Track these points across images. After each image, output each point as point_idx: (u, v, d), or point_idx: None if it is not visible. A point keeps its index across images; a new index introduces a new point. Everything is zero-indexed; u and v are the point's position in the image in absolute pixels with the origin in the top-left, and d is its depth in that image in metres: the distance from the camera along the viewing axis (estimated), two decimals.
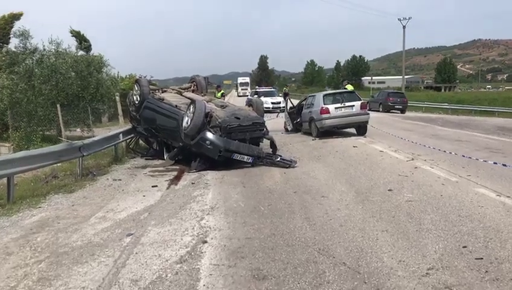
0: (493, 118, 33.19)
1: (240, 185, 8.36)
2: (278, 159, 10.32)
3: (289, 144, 14.15)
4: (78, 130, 17.23)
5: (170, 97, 12.08)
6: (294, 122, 17.55)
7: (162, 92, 12.88)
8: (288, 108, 18.70)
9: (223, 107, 11.25)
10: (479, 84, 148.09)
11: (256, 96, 33.83)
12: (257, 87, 55.33)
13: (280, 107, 30.28)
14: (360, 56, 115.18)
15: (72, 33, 25.61)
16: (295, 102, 19.72)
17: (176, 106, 11.17)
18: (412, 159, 10.42)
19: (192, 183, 8.78)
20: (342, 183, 8.24)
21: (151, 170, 10.48)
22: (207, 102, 11.82)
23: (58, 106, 14.14)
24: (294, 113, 17.73)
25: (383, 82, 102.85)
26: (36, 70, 15.48)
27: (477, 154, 11.15)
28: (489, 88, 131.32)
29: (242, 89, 69.83)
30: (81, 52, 20.76)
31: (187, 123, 10.11)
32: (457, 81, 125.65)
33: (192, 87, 13.46)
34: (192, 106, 10.21)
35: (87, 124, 16.22)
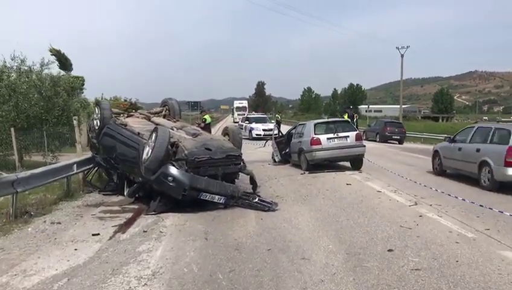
0: None
1: (202, 237, 6.65)
2: (256, 200, 8.64)
3: (274, 178, 12.47)
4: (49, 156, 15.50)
5: (135, 123, 10.45)
6: (283, 152, 15.91)
7: (128, 117, 11.26)
8: (276, 136, 17.08)
9: (194, 135, 9.60)
10: (476, 116, 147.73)
11: (247, 122, 32.50)
12: (254, 113, 53.69)
13: (276, 134, 28.59)
14: (357, 84, 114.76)
15: (51, 52, 24.06)
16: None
17: (139, 133, 9.53)
18: (416, 204, 8.75)
19: (144, 231, 7.07)
20: (330, 237, 6.55)
21: (103, 210, 8.76)
22: (178, 129, 10.21)
23: (12, 129, 12.50)
24: (283, 143, 16.10)
25: (380, 111, 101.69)
26: None
27: (490, 199, 9.51)
28: (485, 119, 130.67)
29: (239, 114, 59.61)
30: (61, 72, 19.27)
31: (147, 154, 8.45)
32: (454, 111, 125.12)
33: (163, 112, 11.84)
34: (154, 134, 8.57)
35: (51, 150, 14.53)
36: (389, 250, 5.81)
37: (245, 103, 72.95)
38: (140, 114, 11.60)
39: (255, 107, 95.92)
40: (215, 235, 6.72)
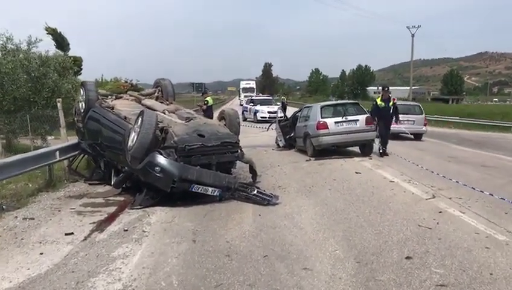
0: (510, 134, 30.55)
1: (189, 238, 5.76)
2: (255, 192, 7.71)
3: (277, 166, 11.53)
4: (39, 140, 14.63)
5: (123, 106, 9.49)
6: (287, 137, 14.93)
7: (116, 99, 10.30)
8: (281, 120, 16.08)
9: (188, 120, 8.65)
10: (486, 97, 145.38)
11: (251, 104, 31.48)
12: (260, 94, 52.04)
13: (280, 117, 27.63)
14: (366, 66, 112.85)
15: (47, 30, 23.14)
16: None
17: (125, 117, 8.59)
18: (433, 197, 7.81)
19: (125, 230, 6.19)
20: (337, 239, 5.64)
21: (85, 203, 7.89)
22: (170, 112, 9.26)
23: None
24: (288, 127, 15.10)
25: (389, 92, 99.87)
26: None
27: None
28: (496, 101, 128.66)
29: (246, 96, 52.76)
30: (57, 52, 18.33)
31: (132, 141, 7.54)
32: (464, 93, 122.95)
33: (156, 93, 10.87)
34: (140, 118, 7.64)
35: (40, 134, 13.65)
36: (407, 257, 4.90)
37: (252, 84, 65.15)
38: (131, 96, 10.62)
39: (262, 89, 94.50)
40: (204, 236, 5.82)
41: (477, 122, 36.07)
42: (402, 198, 7.76)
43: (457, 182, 8.70)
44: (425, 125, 18.83)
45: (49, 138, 14.50)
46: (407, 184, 8.92)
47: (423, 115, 19.19)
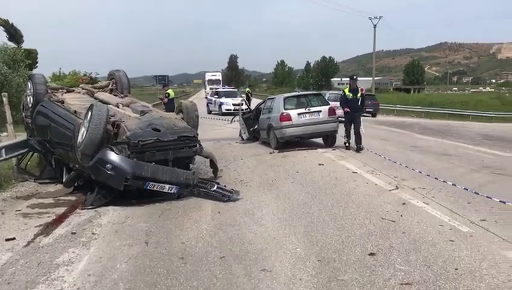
0: (468, 122, 31.36)
1: (142, 240, 5.38)
2: (214, 188, 7.39)
3: (240, 159, 11.22)
4: None
5: (74, 99, 8.93)
6: (251, 129, 14.62)
7: (67, 92, 9.71)
8: (244, 112, 15.74)
9: (142, 113, 8.20)
10: (446, 87, 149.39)
11: (216, 96, 30.97)
12: (226, 86, 51.29)
13: (243, 110, 27.36)
14: (330, 57, 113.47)
15: None
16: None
17: (75, 111, 8.06)
18: (397, 188, 7.68)
19: (73, 233, 5.76)
20: (298, 235, 5.39)
21: (32, 204, 7.36)
22: (124, 105, 8.79)
23: None
24: (251, 119, 14.78)
25: None
26: None
27: (479, 179, 8.56)
28: (455, 90, 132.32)
29: (211, 88, 48.41)
30: (6, 44, 17.35)
31: (82, 137, 7.06)
32: (425, 83, 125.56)
33: (110, 86, 10.32)
34: (89, 112, 7.15)
35: None
36: (371, 254, 4.70)
37: (218, 76, 62.98)
38: (83, 89, 10.04)
39: (228, 81, 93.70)
40: (158, 238, 5.46)
41: (438, 111, 36.89)
42: (365, 190, 7.59)
43: (420, 172, 8.62)
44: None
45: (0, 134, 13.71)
46: (370, 175, 8.78)
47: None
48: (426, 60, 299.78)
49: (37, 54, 24.83)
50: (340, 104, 12.74)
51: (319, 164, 9.96)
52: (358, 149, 11.87)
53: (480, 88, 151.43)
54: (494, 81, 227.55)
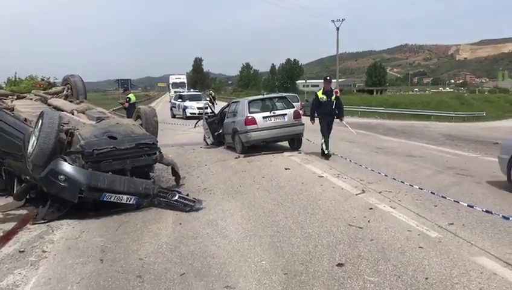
0: (430, 122, 31.97)
1: (97, 257, 5.01)
2: (176, 197, 7.05)
3: (204, 165, 10.90)
4: None
5: (25, 106, 8.41)
6: (216, 133, 14.31)
7: (18, 99, 9.17)
8: (208, 116, 15.40)
9: (99, 120, 7.79)
10: (408, 88, 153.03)
11: (180, 100, 30.46)
12: (191, 90, 50.49)
13: (207, 113, 27.00)
14: (295, 60, 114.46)
15: None
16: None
17: (26, 119, 7.57)
18: (363, 192, 7.55)
19: (21, 251, 5.32)
20: (264, 246, 5.14)
21: None
22: (79, 112, 8.34)
23: None
24: (216, 123, 14.48)
25: (317, 85, 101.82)
26: None
27: (443, 180, 8.55)
28: (416, 91, 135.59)
29: (176, 91, 45.77)
30: None
31: (32, 146, 6.60)
32: (387, 84, 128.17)
33: (65, 92, 9.82)
34: (40, 120, 6.70)
35: None
36: (339, 265, 4.50)
37: (183, 78, 62.27)
38: (36, 95, 9.50)
39: (193, 84, 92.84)
40: (114, 254, 5.10)
41: (400, 112, 37.50)
42: (331, 195, 7.42)
43: (386, 175, 8.53)
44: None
45: None
46: (336, 179, 8.64)
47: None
48: (388, 61, 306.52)
49: None
50: (311, 109, 11.70)
51: (285, 168, 9.77)
52: (328, 154, 11.09)
53: (440, 88, 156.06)
54: (453, 81, 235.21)
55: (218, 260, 4.76)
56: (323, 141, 11.20)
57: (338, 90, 12.07)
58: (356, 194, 7.40)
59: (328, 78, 11.80)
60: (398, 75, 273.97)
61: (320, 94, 11.29)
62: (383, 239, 5.19)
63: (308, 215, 6.30)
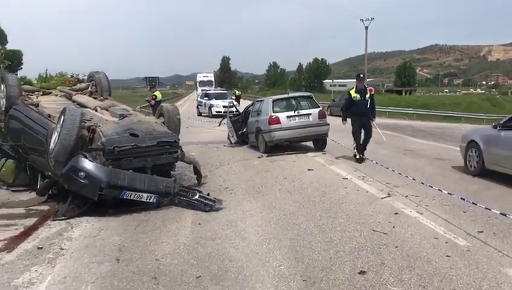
0: (460, 124, 31.10)
1: (113, 257, 4.95)
2: (196, 197, 6.95)
3: (226, 164, 10.80)
4: None
5: (49, 103, 8.47)
6: (239, 132, 14.20)
7: (43, 95, 9.25)
8: (233, 115, 15.30)
9: (121, 117, 7.76)
10: (438, 88, 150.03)
11: (206, 98, 30.53)
12: (219, 88, 50.53)
13: (233, 112, 26.82)
14: (322, 59, 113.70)
15: None
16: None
17: (49, 115, 7.61)
18: (389, 195, 7.30)
19: (39, 248, 5.30)
20: (283, 250, 4.98)
21: (1, 214, 6.89)
22: (103, 109, 8.35)
23: None
24: (240, 122, 14.36)
25: (345, 85, 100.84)
26: None
27: (474, 185, 8.22)
28: (446, 92, 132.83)
29: (203, 90, 43.93)
30: None
31: (54, 143, 6.61)
32: (417, 84, 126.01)
33: (89, 88, 9.86)
34: (62, 117, 6.71)
35: None
36: (361, 272, 4.30)
37: (210, 76, 60.83)
38: (61, 91, 9.58)
39: (220, 83, 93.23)
40: (131, 254, 5.03)
41: (429, 113, 36.66)
42: (355, 198, 7.20)
43: (413, 179, 8.23)
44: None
45: None
46: (361, 181, 8.39)
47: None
48: (418, 62, 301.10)
49: (22, 54, 24.27)
50: (343, 108, 11.24)
51: (309, 169, 9.56)
52: (360, 158, 10.35)
53: (471, 90, 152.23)
54: (484, 83, 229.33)
55: (236, 263, 4.63)
56: (354, 144, 10.61)
57: (372, 89, 11.01)
58: (381, 198, 7.16)
59: (361, 75, 11.31)
60: (428, 76, 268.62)
61: (353, 93, 10.62)
62: (408, 246, 4.97)
63: (331, 219, 6.10)
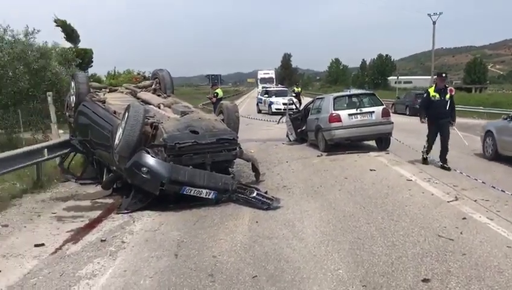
0: None
1: (172, 252, 5.02)
2: (254, 194, 6.92)
3: (285, 162, 10.72)
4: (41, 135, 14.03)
5: (115, 99, 8.79)
6: (299, 130, 14.06)
7: (110, 92, 9.61)
8: (292, 112, 15.18)
9: (183, 114, 7.90)
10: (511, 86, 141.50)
11: (266, 96, 30.56)
12: (279, 85, 50.36)
13: (293, 109, 26.57)
14: (387, 55, 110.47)
15: (56, 22, 22.63)
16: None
17: (115, 111, 7.88)
18: (456, 199, 6.90)
19: (102, 240, 5.49)
20: (341, 253, 4.83)
21: (69, 206, 7.23)
22: (166, 106, 8.53)
23: None
24: (299, 119, 14.22)
25: (410, 82, 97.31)
26: None
27: None
28: None
29: (263, 87, 43.11)
30: (56, 44, 17.76)
31: (119, 138, 6.84)
32: (488, 82, 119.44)
33: (153, 86, 10.13)
34: (126, 113, 6.92)
35: (41, 129, 13.08)
36: (424, 280, 4.07)
37: (271, 73, 59.81)
38: (126, 88, 9.92)
39: (281, 80, 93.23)
40: (189, 249, 5.08)
41: (502, 112, 34.50)
42: (420, 200, 6.88)
43: (483, 182, 7.75)
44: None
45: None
46: (426, 183, 8.01)
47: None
48: (489, 57, 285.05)
49: (93, 53, 25.51)
50: (421, 107, 10.47)
51: (371, 170, 9.28)
52: (445, 167, 9.34)
53: None
54: None
55: (293, 265, 4.54)
56: (426, 146, 9.90)
57: (453, 89, 10.08)
58: (448, 202, 6.78)
59: (443, 74, 10.38)
60: (501, 72, 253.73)
61: (432, 91, 9.68)
62: (477, 254, 4.65)
63: (393, 222, 5.85)
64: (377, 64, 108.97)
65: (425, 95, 10.06)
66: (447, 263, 4.44)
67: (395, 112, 24.71)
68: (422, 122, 10.01)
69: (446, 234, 5.31)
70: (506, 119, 10.20)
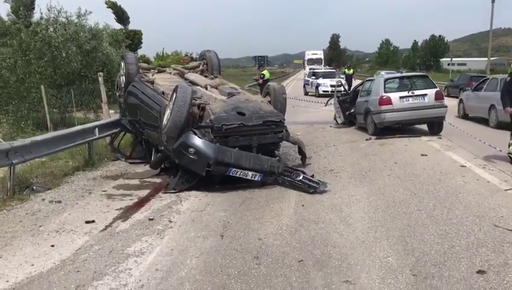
0: None
1: (218, 232, 5.03)
2: (300, 177, 6.82)
3: (332, 145, 10.53)
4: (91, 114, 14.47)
5: (163, 80, 8.86)
6: (347, 113, 13.75)
7: (158, 73, 9.70)
8: (340, 94, 14.85)
9: (230, 95, 7.87)
10: None
11: (313, 77, 30.12)
12: (327, 67, 49.37)
13: (341, 91, 25.97)
14: (440, 36, 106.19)
15: (107, 4, 23.11)
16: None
17: (163, 92, 7.94)
18: None
19: (150, 219, 5.58)
20: (391, 241, 4.68)
21: (118, 184, 7.41)
22: (212, 87, 8.53)
23: (42, 87, 11.53)
24: (347, 102, 13.89)
25: (464, 64, 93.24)
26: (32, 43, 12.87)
27: None
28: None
29: (311, 68, 41.15)
30: (107, 25, 18.16)
31: (167, 119, 6.90)
32: None
33: (201, 67, 10.14)
34: (174, 94, 6.96)
35: (92, 108, 13.50)
36: (479, 272, 3.87)
37: (319, 54, 55.88)
38: (174, 69, 10.00)
39: (329, 61, 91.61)
40: (235, 231, 5.08)
41: None
42: (475, 188, 6.55)
43: None
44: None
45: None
46: (481, 170, 7.62)
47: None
48: None
49: (142, 34, 25.96)
50: (502, 94, 8.82)
51: (422, 155, 8.95)
52: None
53: None
54: None
55: (340, 250, 4.44)
56: (511, 140, 8.46)
57: None
58: (505, 190, 6.41)
59: None
60: None
61: None
62: None
63: (446, 209, 5.61)
64: (429, 45, 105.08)
65: (508, 78, 8.66)
66: (504, 255, 4.21)
67: (448, 95, 23.77)
68: (509, 111, 8.51)
69: (503, 224, 5.03)
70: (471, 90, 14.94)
